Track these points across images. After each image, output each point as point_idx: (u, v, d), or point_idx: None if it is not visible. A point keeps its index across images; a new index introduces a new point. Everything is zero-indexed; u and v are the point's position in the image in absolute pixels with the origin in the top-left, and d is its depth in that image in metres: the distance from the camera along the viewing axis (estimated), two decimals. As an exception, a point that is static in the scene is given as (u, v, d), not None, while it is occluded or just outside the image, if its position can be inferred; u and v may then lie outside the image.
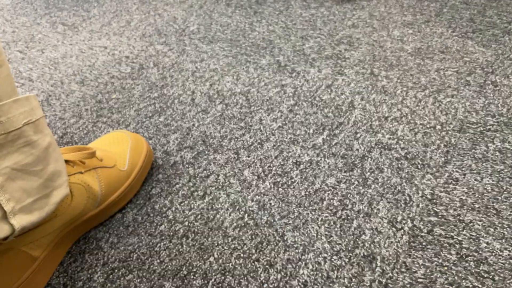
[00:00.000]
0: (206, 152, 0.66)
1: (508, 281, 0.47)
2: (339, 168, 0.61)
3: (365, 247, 0.51)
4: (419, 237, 0.52)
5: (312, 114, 0.71)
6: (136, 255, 0.53)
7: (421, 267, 0.49)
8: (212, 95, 0.77)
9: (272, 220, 0.55)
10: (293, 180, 0.60)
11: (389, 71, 0.79)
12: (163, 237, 0.54)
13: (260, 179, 0.61)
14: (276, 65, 0.83)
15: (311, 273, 0.49)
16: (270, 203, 0.57)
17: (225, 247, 0.52)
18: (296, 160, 0.63)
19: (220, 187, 0.60)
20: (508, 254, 0.49)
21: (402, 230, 0.52)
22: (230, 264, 0.51)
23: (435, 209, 0.54)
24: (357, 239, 0.52)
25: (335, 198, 0.57)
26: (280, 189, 0.59)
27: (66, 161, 0.50)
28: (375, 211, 0.55)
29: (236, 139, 0.67)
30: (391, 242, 0.51)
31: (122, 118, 0.74)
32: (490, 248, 0.50)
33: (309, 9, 1.01)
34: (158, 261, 0.52)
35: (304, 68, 0.82)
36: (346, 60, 0.83)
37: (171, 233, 0.55)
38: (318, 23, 0.96)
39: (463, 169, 0.59)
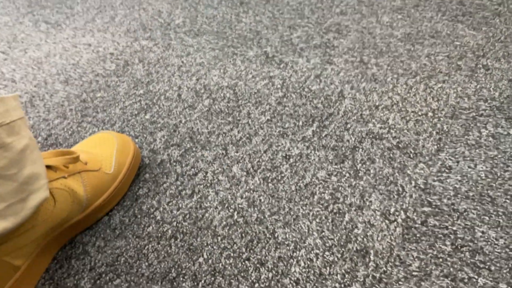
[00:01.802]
0: (194, 149, 0.64)
1: (504, 271, 0.45)
2: (330, 160, 0.60)
3: (357, 241, 0.50)
4: (412, 228, 0.50)
5: (301, 105, 0.69)
6: (124, 259, 0.51)
7: (416, 259, 0.47)
8: (199, 90, 0.75)
9: (262, 217, 0.54)
10: (283, 175, 0.58)
11: (379, 58, 0.77)
12: (151, 239, 0.53)
13: (249, 175, 0.59)
14: (264, 57, 0.81)
15: (303, 270, 0.48)
16: (260, 200, 0.56)
17: (214, 247, 0.51)
18: (286, 154, 0.61)
19: (208, 184, 0.59)
20: (504, 243, 0.48)
21: (395, 222, 0.51)
22: (220, 264, 0.49)
23: (429, 199, 0.53)
24: (350, 233, 0.51)
25: (326, 191, 0.56)
26: (270, 184, 0.57)
27: (49, 166, 0.48)
28: (367, 203, 0.54)
29: (224, 135, 0.66)
30: (384, 235, 0.50)
31: (107, 117, 0.72)
32: (486, 237, 0.49)
33: (296, -2, 0.99)
34: (146, 264, 0.50)
35: (292, 58, 0.80)
36: (335, 49, 0.81)
37: (159, 235, 0.53)
38: (306, 11, 0.94)
39: (456, 156, 0.58)
